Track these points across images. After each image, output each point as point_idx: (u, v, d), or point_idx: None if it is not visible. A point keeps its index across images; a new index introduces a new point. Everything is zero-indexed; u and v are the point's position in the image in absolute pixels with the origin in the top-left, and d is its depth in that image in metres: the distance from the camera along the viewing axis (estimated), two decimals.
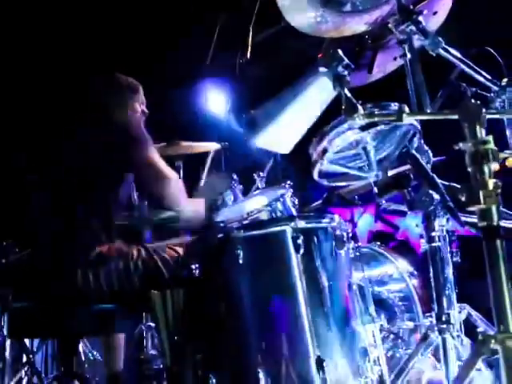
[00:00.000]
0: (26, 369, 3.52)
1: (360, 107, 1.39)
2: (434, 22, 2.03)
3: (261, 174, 2.96)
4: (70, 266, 2.21)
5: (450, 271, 1.83)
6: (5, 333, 3.45)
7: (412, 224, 3.08)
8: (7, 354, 3.50)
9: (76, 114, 2.56)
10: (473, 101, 1.33)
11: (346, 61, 1.45)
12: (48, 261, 2.27)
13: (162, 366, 3.08)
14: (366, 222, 3.12)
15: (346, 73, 1.46)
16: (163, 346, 2.04)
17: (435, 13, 2.05)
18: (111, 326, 2.36)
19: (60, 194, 2.40)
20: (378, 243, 2.69)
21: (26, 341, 3.71)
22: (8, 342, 3.62)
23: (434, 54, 1.82)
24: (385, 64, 2.14)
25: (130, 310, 2.31)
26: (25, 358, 3.64)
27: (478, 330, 1.82)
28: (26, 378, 3.62)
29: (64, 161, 2.45)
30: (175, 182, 2.42)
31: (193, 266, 1.98)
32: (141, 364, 3.11)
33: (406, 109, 1.49)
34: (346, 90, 1.42)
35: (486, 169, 1.26)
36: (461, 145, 1.30)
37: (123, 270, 2.20)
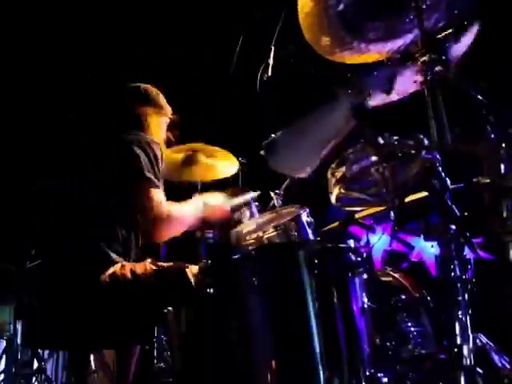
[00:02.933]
0: (37, 375, 3.57)
1: (380, 138, 1.40)
2: (457, 51, 2.02)
3: (277, 191, 2.95)
4: (84, 279, 2.22)
5: (465, 300, 1.82)
6: (18, 340, 3.50)
7: (427, 244, 3.06)
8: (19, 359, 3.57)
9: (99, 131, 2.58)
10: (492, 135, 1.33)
11: (367, 90, 1.46)
12: (61, 273, 2.29)
13: (170, 379, 3.09)
14: (381, 241, 3.11)
15: (366, 102, 1.47)
16: (175, 363, 2.05)
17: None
18: (123, 340, 2.37)
19: (77, 208, 2.41)
20: (390, 268, 2.67)
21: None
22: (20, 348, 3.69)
23: (455, 84, 1.82)
24: (404, 86, 2.14)
25: (143, 325, 2.32)
26: (36, 365, 3.70)
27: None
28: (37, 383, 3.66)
29: (85, 175, 2.47)
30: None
31: (207, 285, 1.99)
32: (150, 377, 3.12)
33: (425, 141, 1.50)
34: (366, 120, 1.43)
35: (504, 204, 1.27)
36: (480, 179, 1.30)
37: (137, 287, 2.21)
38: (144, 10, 4.86)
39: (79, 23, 4.84)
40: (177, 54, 5.13)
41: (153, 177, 2.35)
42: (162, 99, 2.71)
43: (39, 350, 3.61)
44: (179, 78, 4.93)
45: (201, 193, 3.33)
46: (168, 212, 2.36)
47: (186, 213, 2.49)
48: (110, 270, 2.20)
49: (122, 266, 2.24)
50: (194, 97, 5.09)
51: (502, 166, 1.30)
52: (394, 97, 2.15)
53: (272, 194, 2.91)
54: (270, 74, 3.20)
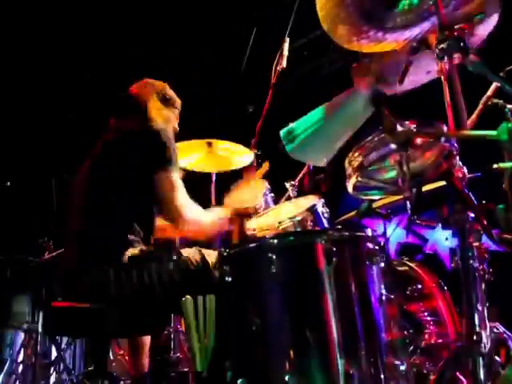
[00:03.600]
0: (56, 364, 3.61)
1: (398, 125, 1.39)
2: (475, 39, 2.00)
3: (292, 182, 2.95)
4: (102, 267, 2.24)
5: (482, 289, 1.81)
6: (39, 329, 3.54)
7: (441, 237, 3.04)
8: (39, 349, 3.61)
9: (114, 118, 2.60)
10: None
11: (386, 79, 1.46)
12: (80, 261, 2.31)
13: (187, 369, 3.12)
14: (396, 233, 3.11)
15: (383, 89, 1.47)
16: (193, 351, 2.06)
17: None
18: (141, 328, 2.40)
19: (95, 194, 2.42)
20: (406, 258, 2.67)
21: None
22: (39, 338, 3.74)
23: (473, 71, 1.80)
24: (417, 76, 2.12)
25: (160, 313, 2.34)
26: (55, 355, 3.74)
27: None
28: (55, 373, 3.71)
29: (99, 161, 2.48)
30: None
31: (225, 272, 2.00)
32: (167, 366, 3.15)
33: (444, 128, 1.49)
34: (385, 108, 1.43)
35: None
36: (499, 165, 1.30)
37: (155, 274, 2.23)
38: (144, 9, 4.87)
39: (79, 23, 4.86)
40: (177, 53, 5.15)
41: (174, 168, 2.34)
42: (169, 90, 2.70)
43: (57, 340, 3.65)
44: (179, 78, 4.96)
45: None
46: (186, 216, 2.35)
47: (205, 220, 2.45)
48: (129, 254, 2.22)
49: (141, 252, 2.26)
50: (194, 97, 5.12)
51: None
52: (407, 87, 2.14)
53: (287, 184, 2.92)
54: (284, 65, 3.20)
